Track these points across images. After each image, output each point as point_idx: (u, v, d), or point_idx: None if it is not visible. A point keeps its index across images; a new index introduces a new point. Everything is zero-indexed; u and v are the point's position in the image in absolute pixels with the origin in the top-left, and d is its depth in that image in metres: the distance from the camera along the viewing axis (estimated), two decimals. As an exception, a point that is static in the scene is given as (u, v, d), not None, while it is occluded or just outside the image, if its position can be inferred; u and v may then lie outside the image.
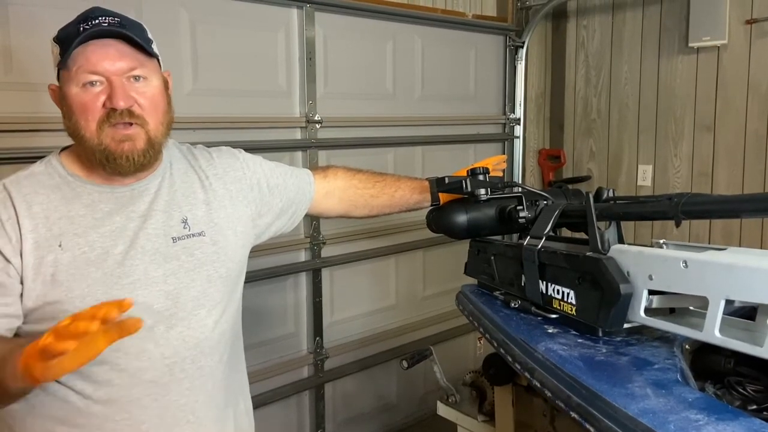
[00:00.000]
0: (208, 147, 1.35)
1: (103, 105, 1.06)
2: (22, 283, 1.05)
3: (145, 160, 1.11)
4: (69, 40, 1.05)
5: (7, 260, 1.04)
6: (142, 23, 1.14)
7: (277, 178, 1.38)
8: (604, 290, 1.05)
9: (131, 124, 1.08)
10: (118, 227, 1.11)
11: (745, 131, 2.77)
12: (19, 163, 1.43)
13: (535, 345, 1.08)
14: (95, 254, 1.08)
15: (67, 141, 1.19)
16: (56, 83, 1.12)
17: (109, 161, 1.08)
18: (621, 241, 1.12)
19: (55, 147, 1.19)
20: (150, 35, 1.14)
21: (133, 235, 1.12)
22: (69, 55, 1.04)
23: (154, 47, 1.13)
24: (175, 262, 1.15)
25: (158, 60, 1.15)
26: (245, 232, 1.29)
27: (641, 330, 1.09)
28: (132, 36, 1.07)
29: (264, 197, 1.34)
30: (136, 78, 1.09)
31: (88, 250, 1.08)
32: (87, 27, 1.05)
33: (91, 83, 1.05)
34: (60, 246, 1.06)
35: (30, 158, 1.22)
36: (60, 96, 1.10)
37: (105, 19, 1.07)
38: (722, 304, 0.87)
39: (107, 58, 1.05)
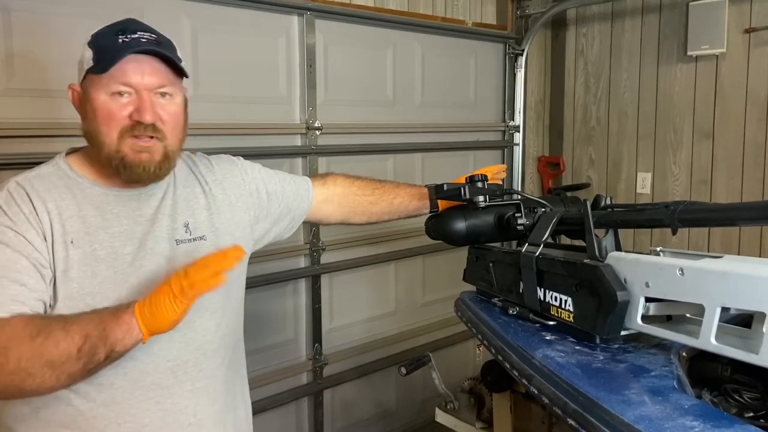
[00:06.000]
0: (209, 154, 1.36)
1: (129, 116, 1.09)
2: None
3: (161, 172, 1.14)
4: (109, 49, 1.07)
5: (38, 251, 1.06)
6: (173, 41, 1.16)
7: (276, 185, 1.39)
8: (601, 297, 1.05)
9: (152, 137, 1.11)
10: (126, 229, 1.14)
11: (744, 139, 2.78)
12: (20, 168, 1.43)
13: (533, 352, 1.09)
14: (105, 252, 1.10)
15: (68, 145, 1.20)
16: (75, 83, 1.14)
17: (126, 169, 1.10)
18: (618, 248, 1.13)
19: (56, 153, 1.20)
20: (180, 54, 1.16)
21: (142, 237, 1.14)
22: (110, 64, 1.06)
23: (183, 66, 1.15)
24: (177, 266, 1.15)
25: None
26: (244, 237, 1.30)
27: (638, 337, 1.09)
28: (170, 56, 1.10)
29: (262, 203, 1.36)
30: (163, 95, 1.12)
31: (99, 248, 1.10)
32: (126, 40, 1.08)
33: (120, 93, 1.08)
34: (72, 243, 1.08)
35: (31, 163, 1.22)
36: (82, 98, 1.12)
37: (144, 35, 1.10)
38: (718, 311, 0.88)
39: (141, 73, 1.09)
